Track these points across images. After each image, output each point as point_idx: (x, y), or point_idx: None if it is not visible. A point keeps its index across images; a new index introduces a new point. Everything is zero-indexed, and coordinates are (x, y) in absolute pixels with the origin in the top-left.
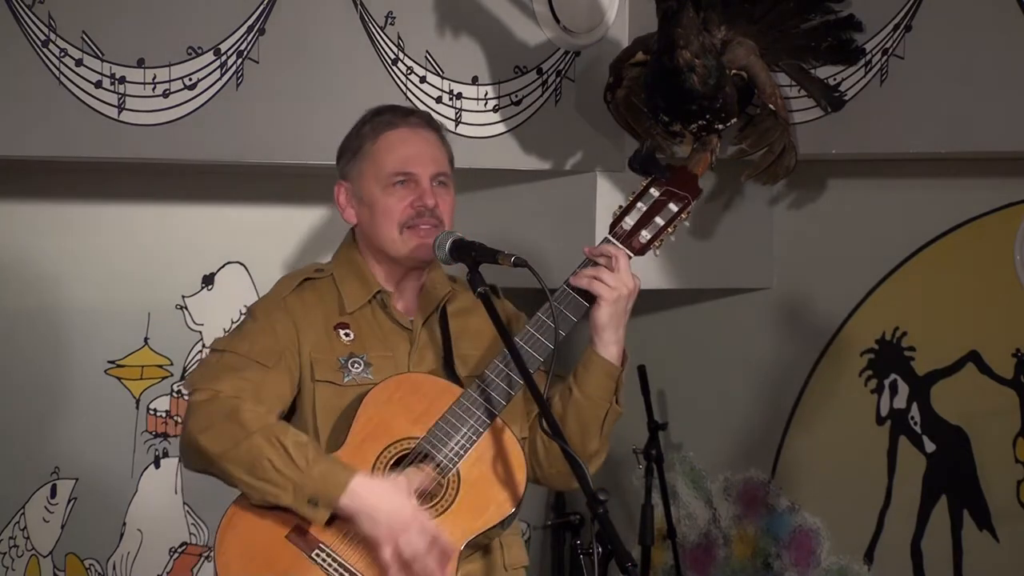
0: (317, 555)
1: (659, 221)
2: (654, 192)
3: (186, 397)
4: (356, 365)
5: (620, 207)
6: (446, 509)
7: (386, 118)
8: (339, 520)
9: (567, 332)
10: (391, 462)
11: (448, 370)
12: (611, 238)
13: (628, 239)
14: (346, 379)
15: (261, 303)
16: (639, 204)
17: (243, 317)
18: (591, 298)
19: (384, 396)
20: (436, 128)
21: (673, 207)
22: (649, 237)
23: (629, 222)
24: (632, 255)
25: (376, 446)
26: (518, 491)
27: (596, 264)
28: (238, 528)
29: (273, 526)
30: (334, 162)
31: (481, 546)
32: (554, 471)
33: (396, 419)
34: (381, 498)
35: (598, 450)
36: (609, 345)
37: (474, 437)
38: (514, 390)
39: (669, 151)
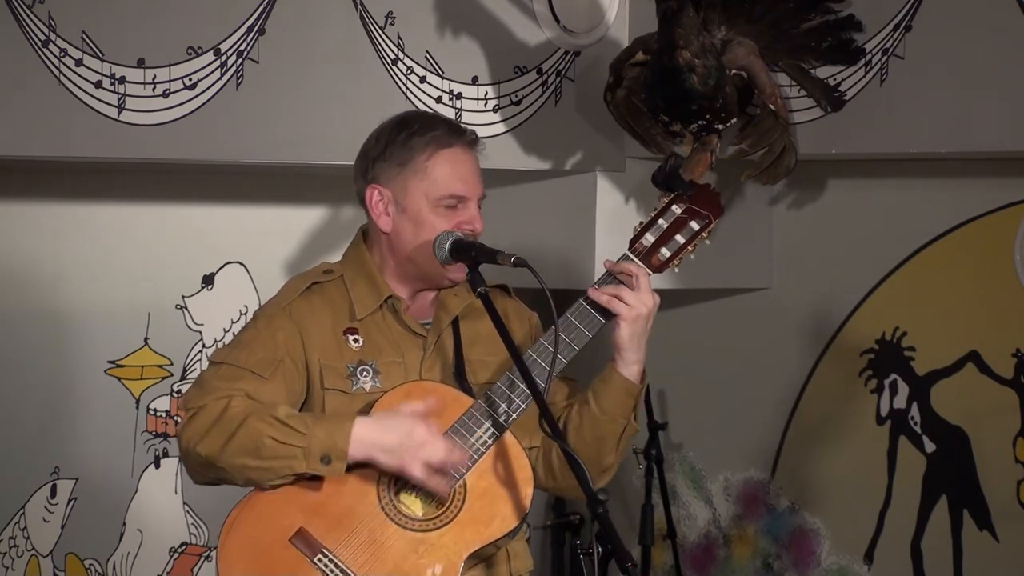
0: (319, 560)
1: (679, 239)
2: (676, 209)
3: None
4: (365, 373)
5: (641, 223)
6: (451, 520)
7: (440, 134)
8: (341, 523)
9: (580, 348)
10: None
11: (459, 377)
12: (631, 255)
13: (648, 256)
14: (355, 387)
15: (266, 308)
16: (660, 221)
17: (247, 321)
18: (609, 315)
19: (394, 404)
20: (479, 148)
21: (695, 225)
22: (669, 255)
23: (650, 239)
24: (651, 273)
25: None
26: (524, 504)
27: (617, 281)
28: (241, 531)
29: (276, 530)
30: (333, 162)
31: (486, 556)
32: (566, 484)
33: None
34: (387, 429)
35: (612, 464)
36: (631, 364)
37: (482, 449)
38: (523, 402)
39: (668, 151)
